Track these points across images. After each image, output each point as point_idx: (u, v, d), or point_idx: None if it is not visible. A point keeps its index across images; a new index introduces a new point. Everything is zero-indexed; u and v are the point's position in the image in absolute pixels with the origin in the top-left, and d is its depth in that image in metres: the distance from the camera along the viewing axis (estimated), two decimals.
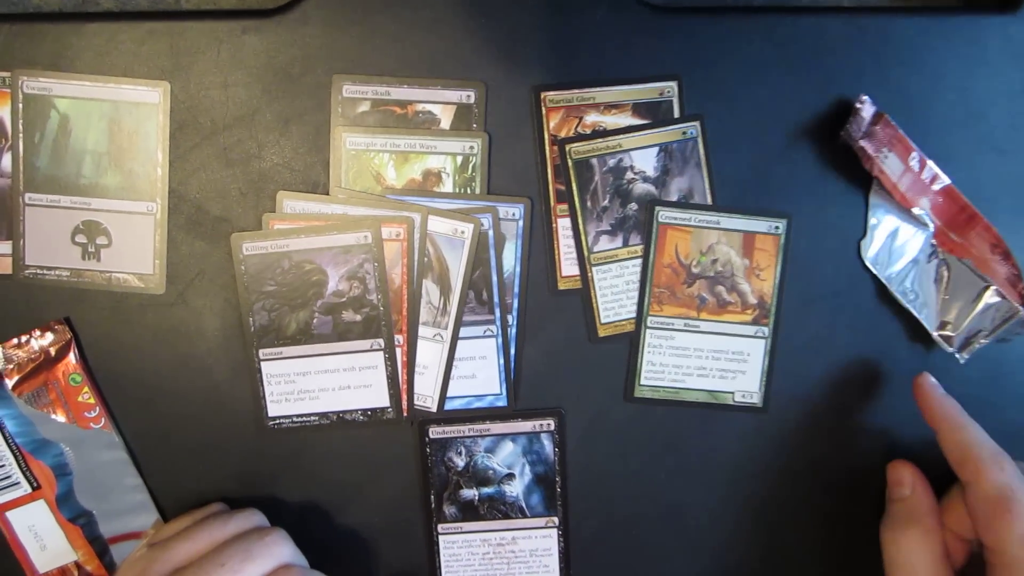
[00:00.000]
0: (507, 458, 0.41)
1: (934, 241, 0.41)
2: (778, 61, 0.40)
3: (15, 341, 0.39)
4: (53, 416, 0.39)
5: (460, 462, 0.40)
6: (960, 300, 0.40)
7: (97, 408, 0.39)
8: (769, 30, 0.40)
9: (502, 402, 0.40)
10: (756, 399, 0.41)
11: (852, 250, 0.41)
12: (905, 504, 0.38)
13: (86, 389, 0.39)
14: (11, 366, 0.39)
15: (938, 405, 0.38)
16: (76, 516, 0.40)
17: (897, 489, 0.39)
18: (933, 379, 0.39)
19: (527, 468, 0.41)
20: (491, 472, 0.40)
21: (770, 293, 0.41)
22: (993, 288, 0.40)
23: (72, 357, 0.39)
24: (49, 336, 0.39)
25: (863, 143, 0.39)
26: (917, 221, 0.40)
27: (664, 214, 0.40)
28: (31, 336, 0.39)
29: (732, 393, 0.41)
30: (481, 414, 0.40)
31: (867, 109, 0.39)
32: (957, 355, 0.41)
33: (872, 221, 0.41)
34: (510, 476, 0.40)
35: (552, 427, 0.40)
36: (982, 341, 0.40)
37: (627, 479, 0.41)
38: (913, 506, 0.38)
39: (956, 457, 0.36)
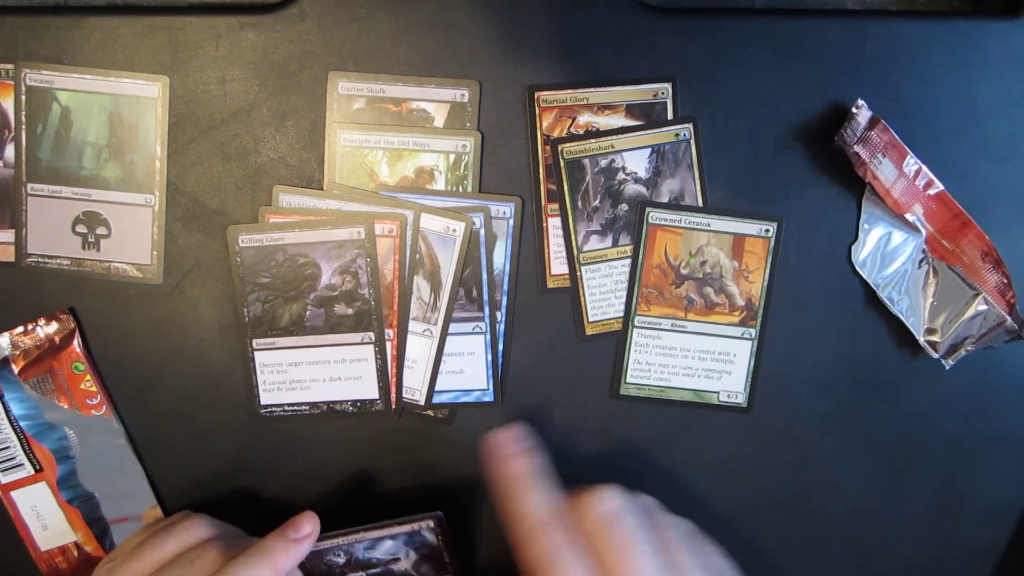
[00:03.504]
0: (389, 550, 0.39)
1: (925, 247, 0.41)
2: (775, 64, 0.40)
3: (21, 329, 0.40)
4: (56, 403, 0.40)
5: (340, 560, 0.39)
6: (948, 307, 0.41)
7: (99, 396, 0.40)
8: (767, 32, 0.39)
9: (488, 398, 0.41)
10: (741, 399, 0.42)
11: (843, 254, 0.41)
12: None
13: (88, 377, 0.40)
14: (17, 352, 0.40)
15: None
16: (77, 498, 0.41)
17: None
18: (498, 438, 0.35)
19: (412, 553, 0.40)
20: (374, 560, 0.39)
21: (758, 295, 0.41)
22: (982, 296, 0.40)
23: (76, 346, 0.40)
24: (54, 325, 0.40)
25: (857, 148, 0.39)
26: (909, 227, 0.40)
27: (654, 215, 0.40)
28: (37, 324, 0.40)
29: (717, 393, 0.42)
30: (356, 526, 0.38)
31: (863, 114, 0.38)
32: (943, 361, 0.41)
33: (864, 226, 0.41)
34: (395, 560, 0.40)
35: (432, 526, 0.39)
36: (968, 348, 0.40)
37: (609, 476, 0.41)
38: None
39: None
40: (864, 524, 0.43)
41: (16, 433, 0.40)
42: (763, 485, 0.42)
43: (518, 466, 0.34)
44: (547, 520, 0.32)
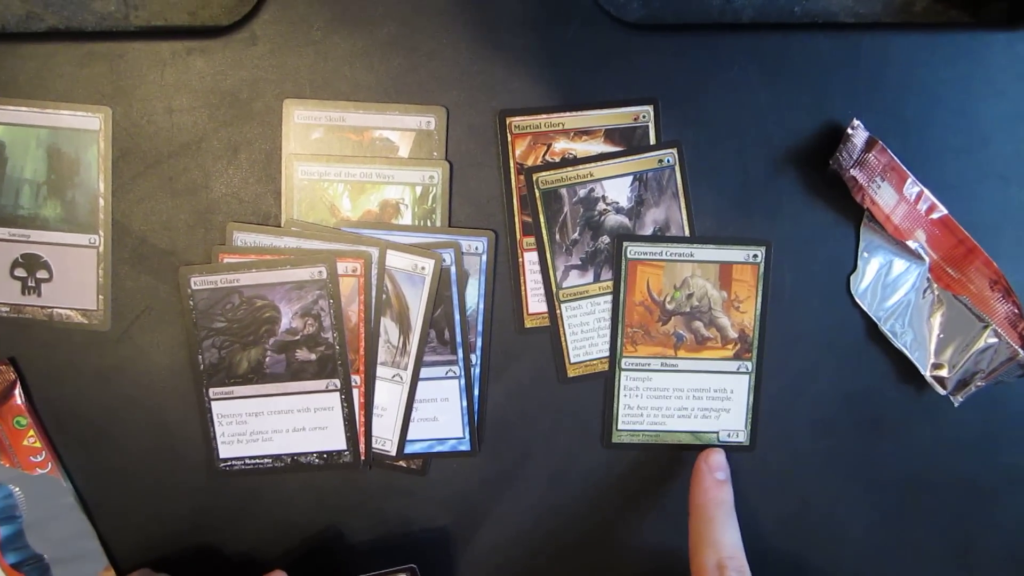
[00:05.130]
0: None
1: (929, 276, 0.38)
2: (764, 82, 0.37)
3: None
4: None
5: None
6: (956, 340, 0.38)
7: (44, 452, 0.38)
8: (755, 48, 0.37)
9: (465, 446, 0.39)
10: (742, 437, 0.39)
11: (841, 284, 0.39)
12: None
13: (31, 433, 0.38)
14: None
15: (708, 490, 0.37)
16: (25, 562, 0.39)
17: None
18: (716, 459, 0.38)
19: None
20: None
21: (751, 326, 0.39)
22: (991, 328, 0.37)
23: (17, 398, 0.38)
24: None
25: (853, 172, 0.36)
26: (912, 254, 0.38)
27: (633, 249, 0.38)
28: None
29: (716, 433, 0.39)
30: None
31: (859, 135, 0.36)
32: (951, 397, 0.39)
33: (863, 254, 0.38)
34: None
35: None
36: (978, 384, 0.38)
37: (601, 526, 0.40)
38: None
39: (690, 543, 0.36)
40: (869, 570, 0.40)
41: None
42: (762, 530, 0.40)
43: (724, 494, 0.36)
44: (733, 555, 0.34)
